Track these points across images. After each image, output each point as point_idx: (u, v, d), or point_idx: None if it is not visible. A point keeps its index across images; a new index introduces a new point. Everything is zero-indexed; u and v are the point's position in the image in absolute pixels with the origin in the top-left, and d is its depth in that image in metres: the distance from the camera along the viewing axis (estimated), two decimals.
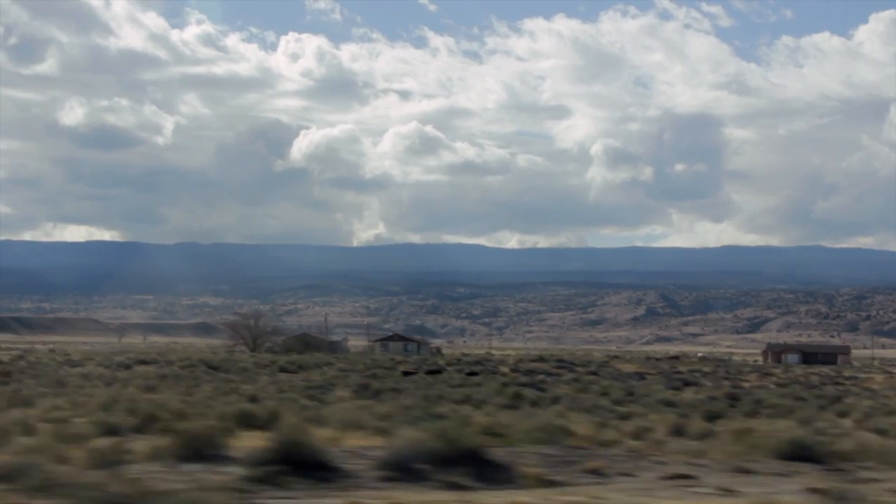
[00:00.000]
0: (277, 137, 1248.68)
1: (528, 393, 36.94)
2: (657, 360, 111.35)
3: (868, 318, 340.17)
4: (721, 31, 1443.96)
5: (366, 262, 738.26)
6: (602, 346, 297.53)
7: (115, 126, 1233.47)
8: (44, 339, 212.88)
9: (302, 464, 12.93)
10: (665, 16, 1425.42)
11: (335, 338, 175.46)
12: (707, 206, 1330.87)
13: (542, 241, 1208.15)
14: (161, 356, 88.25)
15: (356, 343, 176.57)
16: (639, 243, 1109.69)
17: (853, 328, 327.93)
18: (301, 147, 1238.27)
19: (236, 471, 12.86)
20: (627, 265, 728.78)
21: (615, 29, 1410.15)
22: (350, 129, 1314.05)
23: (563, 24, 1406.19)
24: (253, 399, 28.91)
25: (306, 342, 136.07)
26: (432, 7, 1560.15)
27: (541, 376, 59.99)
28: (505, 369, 69.56)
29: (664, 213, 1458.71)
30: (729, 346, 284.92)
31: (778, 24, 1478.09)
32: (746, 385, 58.31)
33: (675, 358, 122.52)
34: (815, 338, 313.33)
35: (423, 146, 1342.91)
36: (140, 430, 18.80)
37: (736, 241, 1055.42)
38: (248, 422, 19.10)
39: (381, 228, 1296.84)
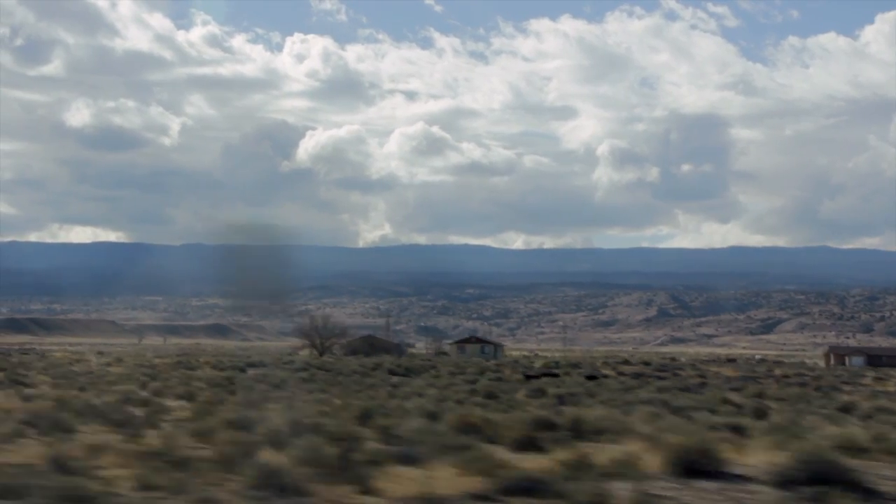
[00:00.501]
0: (283, 138, 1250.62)
1: (742, 401, 33.97)
2: (712, 362, 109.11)
3: (882, 318, 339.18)
4: (727, 32, 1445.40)
5: (372, 263, 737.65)
6: (617, 347, 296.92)
7: (122, 127, 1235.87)
8: (61, 340, 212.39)
9: (831, 483, 12.21)
10: (671, 16, 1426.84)
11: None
12: (713, 207, 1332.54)
13: (548, 242, 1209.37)
14: (238, 359, 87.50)
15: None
16: (645, 244, 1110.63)
17: (868, 329, 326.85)
18: (307, 148, 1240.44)
19: (763, 489, 12.43)
20: (634, 266, 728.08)
21: (621, 29, 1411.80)
22: (356, 130, 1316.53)
23: (569, 25, 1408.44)
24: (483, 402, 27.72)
25: (371, 344, 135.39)
26: (438, 8, 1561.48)
27: (661, 379, 57.82)
28: (609, 372, 67.77)
29: (670, 213, 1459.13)
30: (744, 348, 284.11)
31: (784, 25, 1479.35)
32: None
33: (733, 360, 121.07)
34: (831, 339, 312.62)
35: (429, 147, 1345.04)
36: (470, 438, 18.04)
37: (742, 241, 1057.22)
38: (549, 429, 18.44)
39: (386, 229, 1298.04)
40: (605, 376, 58.99)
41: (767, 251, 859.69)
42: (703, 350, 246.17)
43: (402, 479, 12.55)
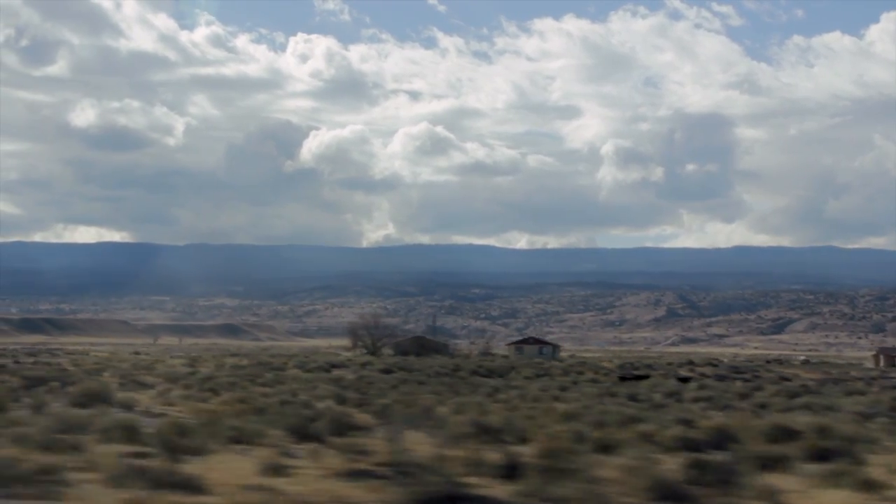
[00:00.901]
0: (287, 138, 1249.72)
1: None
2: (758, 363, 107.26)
3: (894, 319, 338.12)
4: (732, 31, 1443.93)
5: (376, 263, 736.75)
6: (628, 346, 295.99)
7: (126, 127, 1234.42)
8: (77, 340, 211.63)
9: None
10: (675, 15, 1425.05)
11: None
12: (718, 207, 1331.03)
13: (551, 242, 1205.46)
14: (311, 359, 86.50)
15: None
16: (649, 244, 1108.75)
17: (879, 329, 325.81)
18: (311, 148, 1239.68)
19: None
20: (639, 266, 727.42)
21: (625, 29, 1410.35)
22: (360, 130, 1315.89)
23: (573, 24, 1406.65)
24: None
25: (421, 344, 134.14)
26: (441, 7, 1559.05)
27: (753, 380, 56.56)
28: (688, 374, 66.32)
29: (675, 213, 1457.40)
30: (756, 348, 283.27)
31: (789, 24, 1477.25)
32: None
33: (779, 361, 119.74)
34: (843, 339, 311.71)
35: (433, 147, 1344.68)
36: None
37: (747, 241, 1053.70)
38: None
39: (390, 229, 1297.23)
40: (690, 379, 58.06)
41: (772, 251, 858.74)
42: (715, 350, 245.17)
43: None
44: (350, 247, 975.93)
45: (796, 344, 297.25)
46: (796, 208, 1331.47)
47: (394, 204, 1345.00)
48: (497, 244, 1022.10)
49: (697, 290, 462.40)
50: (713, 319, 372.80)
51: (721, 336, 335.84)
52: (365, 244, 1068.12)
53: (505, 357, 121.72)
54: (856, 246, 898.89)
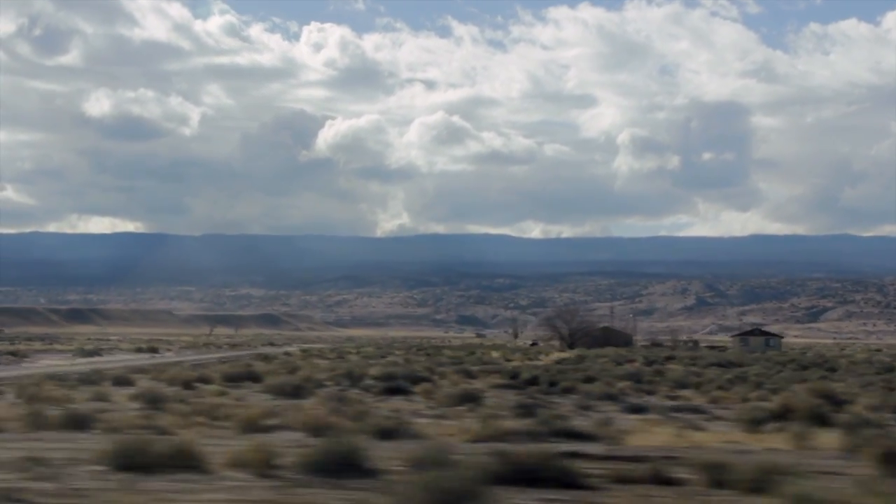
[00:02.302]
0: (302, 128, 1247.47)
1: None
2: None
3: None
4: (748, 19, 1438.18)
5: (391, 253, 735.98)
6: (667, 336, 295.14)
7: (141, 117, 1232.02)
8: (129, 330, 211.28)
9: None
10: (691, 3, 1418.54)
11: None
12: (733, 195, 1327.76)
13: (566, 231, 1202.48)
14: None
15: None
16: (664, 233, 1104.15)
17: None
18: (326, 137, 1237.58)
19: None
20: (656, 255, 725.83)
21: (640, 17, 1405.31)
22: (375, 120, 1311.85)
23: (588, 13, 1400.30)
24: None
25: (608, 335, 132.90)
26: None
27: None
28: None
29: (689, 202, 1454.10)
30: (795, 336, 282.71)
31: (805, 11, 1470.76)
32: None
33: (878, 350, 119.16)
34: (881, 327, 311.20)
35: (449, 136, 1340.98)
36: None
37: (762, 229, 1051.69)
38: None
39: (404, 218, 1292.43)
40: None
41: (788, 239, 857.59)
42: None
43: None
44: (365, 236, 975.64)
45: (835, 332, 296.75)
46: (812, 196, 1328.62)
47: (409, 193, 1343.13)
48: (511, 233, 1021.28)
49: (722, 279, 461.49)
50: (746, 308, 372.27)
51: (758, 324, 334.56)
52: (379, 234, 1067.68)
53: (723, 349, 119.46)
54: (871, 234, 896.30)
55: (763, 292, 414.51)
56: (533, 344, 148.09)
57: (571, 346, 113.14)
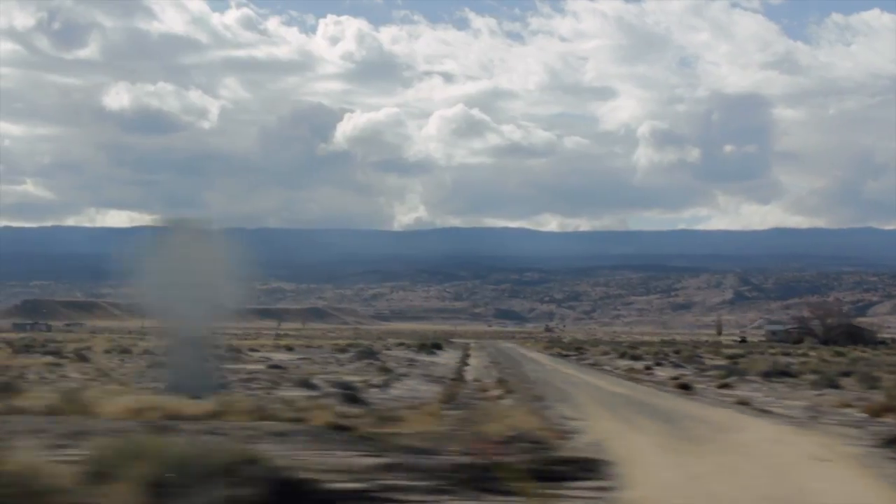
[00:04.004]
0: (320, 121, 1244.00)
1: None
2: None
3: None
4: (769, 10, 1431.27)
5: (409, 246, 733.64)
6: (709, 330, 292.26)
7: (160, 111, 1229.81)
8: None
9: None
10: None
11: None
12: (754, 188, 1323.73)
13: (583, 224, 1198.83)
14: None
15: None
16: (682, 226, 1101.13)
17: None
18: (345, 131, 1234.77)
19: None
20: (679, 248, 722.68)
21: (660, 8, 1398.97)
22: (394, 113, 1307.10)
23: (607, 5, 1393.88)
24: None
25: (852, 332, 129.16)
26: None
27: None
28: None
29: (709, 195, 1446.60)
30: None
31: (827, 2, 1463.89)
32: None
33: None
34: None
35: (468, 129, 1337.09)
36: None
37: (782, 222, 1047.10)
38: None
39: (421, 212, 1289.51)
40: None
41: (810, 232, 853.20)
42: None
43: None
44: (382, 230, 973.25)
45: (888, 327, 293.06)
46: (834, 189, 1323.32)
47: (427, 187, 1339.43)
48: (529, 226, 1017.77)
49: (752, 272, 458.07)
50: (789, 302, 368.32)
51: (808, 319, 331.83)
52: (396, 227, 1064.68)
53: None
54: (893, 227, 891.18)
55: (798, 286, 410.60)
56: (742, 340, 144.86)
57: (825, 344, 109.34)
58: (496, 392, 30.40)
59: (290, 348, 77.54)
